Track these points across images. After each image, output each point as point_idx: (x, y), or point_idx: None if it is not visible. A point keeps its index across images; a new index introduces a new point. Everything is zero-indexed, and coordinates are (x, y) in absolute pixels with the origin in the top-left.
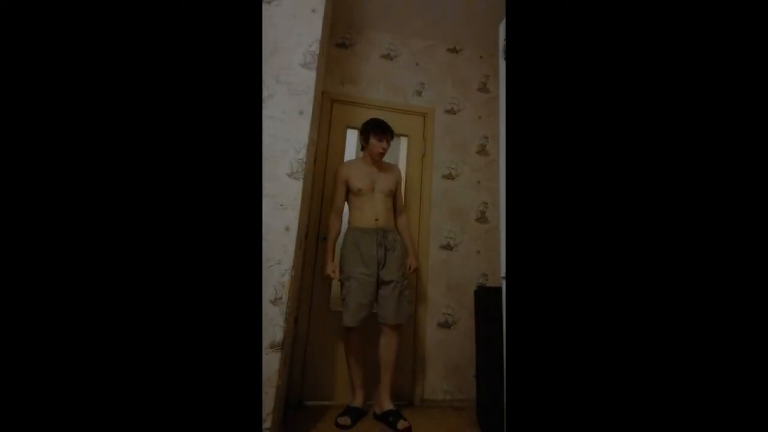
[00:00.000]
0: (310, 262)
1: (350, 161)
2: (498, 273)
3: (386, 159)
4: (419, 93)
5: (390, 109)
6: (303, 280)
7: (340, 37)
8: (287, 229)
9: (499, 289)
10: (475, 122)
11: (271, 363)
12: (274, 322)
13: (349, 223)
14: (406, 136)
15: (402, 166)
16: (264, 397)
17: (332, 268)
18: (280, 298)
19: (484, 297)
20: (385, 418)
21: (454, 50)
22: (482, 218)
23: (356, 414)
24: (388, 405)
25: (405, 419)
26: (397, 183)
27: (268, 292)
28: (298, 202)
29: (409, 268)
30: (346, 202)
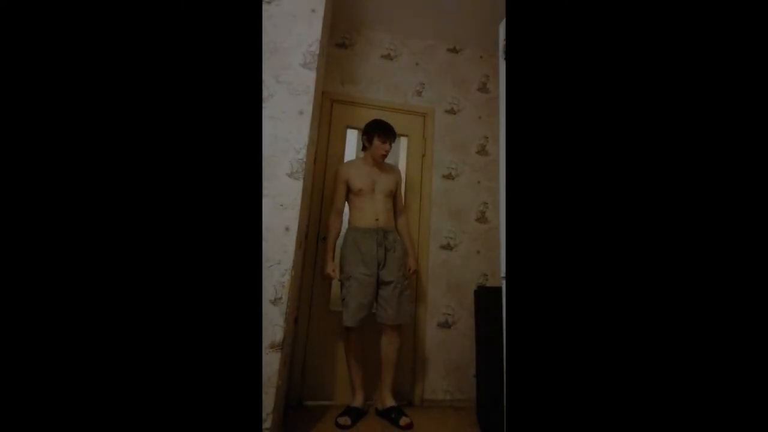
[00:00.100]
0: (310, 262)
1: (351, 161)
2: (498, 273)
3: (386, 159)
4: (419, 93)
5: (390, 109)
6: (303, 280)
7: (340, 37)
8: (287, 229)
9: (499, 289)
10: (475, 122)
11: (271, 363)
12: (274, 322)
13: (350, 223)
14: (406, 136)
15: (402, 166)
16: (264, 397)
17: (332, 268)
18: (280, 298)
19: (484, 297)
20: (387, 414)
21: (454, 50)
22: (482, 218)
23: (356, 414)
24: (390, 402)
25: (407, 415)
26: (398, 183)
27: (268, 292)
28: (298, 202)
29: (409, 270)
30: (346, 202)
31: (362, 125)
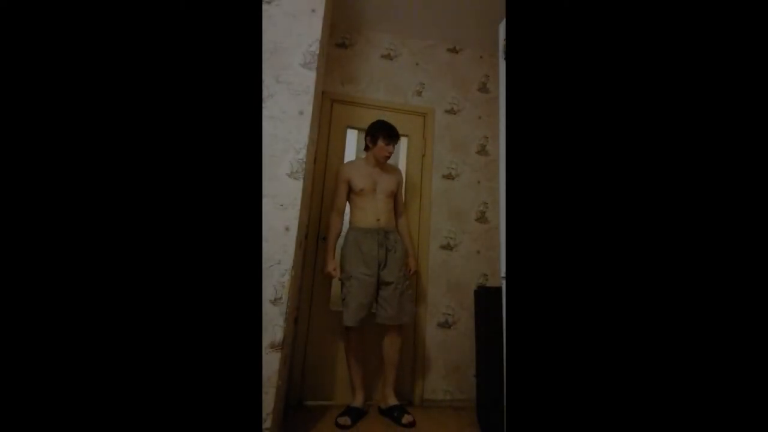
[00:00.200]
0: (310, 262)
1: (352, 161)
2: (498, 273)
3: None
4: (419, 93)
5: (390, 109)
6: (303, 280)
7: (340, 37)
8: (287, 229)
9: (499, 289)
10: (475, 122)
11: (271, 363)
12: (274, 322)
13: (351, 223)
14: (406, 136)
15: (402, 166)
16: (264, 397)
17: (333, 266)
18: (280, 298)
19: (484, 297)
20: (390, 413)
21: (454, 50)
22: (482, 218)
23: (356, 414)
24: (392, 400)
25: (409, 413)
26: (399, 184)
27: (268, 292)
28: (298, 202)
29: (410, 270)
30: (347, 202)
31: (362, 125)
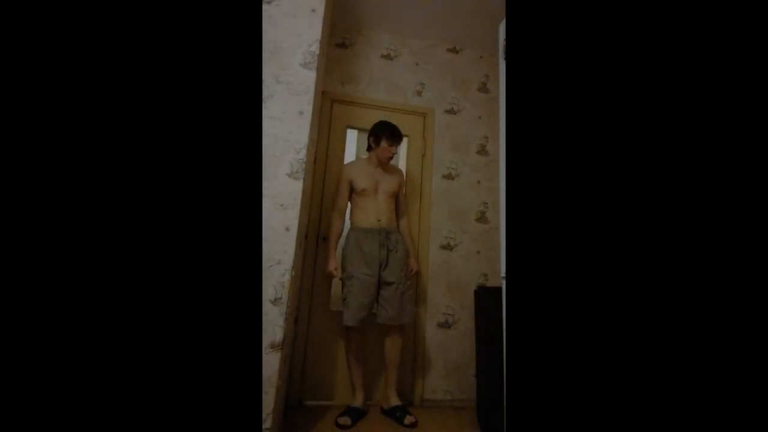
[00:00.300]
0: (310, 262)
1: (354, 161)
2: (498, 273)
3: None
4: (419, 93)
5: (390, 109)
6: (303, 280)
7: (340, 37)
8: (287, 229)
9: (499, 289)
10: (475, 122)
11: (271, 363)
12: (274, 322)
13: (352, 223)
14: (406, 136)
15: (402, 166)
16: (264, 397)
17: (334, 266)
18: (280, 298)
19: (484, 297)
20: (392, 413)
21: (454, 50)
22: (482, 218)
23: (356, 414)
24: (395, 401)
25: (411, 414)
26: (401, 185)
27: (268, 292)
28: (298, 202)
29: (411, 270)
30: (348, 202)
31: (362, 125)
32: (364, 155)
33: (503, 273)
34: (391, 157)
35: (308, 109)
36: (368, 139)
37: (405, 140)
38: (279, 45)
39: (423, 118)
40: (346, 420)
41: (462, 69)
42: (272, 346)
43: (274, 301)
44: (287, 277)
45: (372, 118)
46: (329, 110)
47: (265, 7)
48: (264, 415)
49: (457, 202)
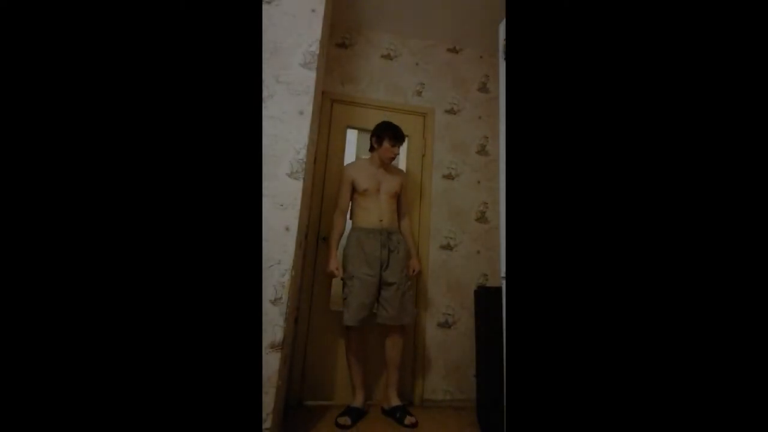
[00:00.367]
0: (310, 262)
1: (356, 162)
2: (498, 273)
3: None
4: (419, 93)
5: (390, 109)
6: (303, 280)
7: (340, 37)
8: (287, 229)
9: (499, 289)
10: (475, 122)
11: (271, 363)
12: (274, 322)
13: (354, 223)
14: (407, 136)
15: (402, 166)
16: (264, 397)
17: (335, 266)
18: (280, 298)
19: (484, 297)
20: (392, 413)
21: (454, 50)
22: (482, 218)
23: (356, 414)
24: (395, 401)
25: (412, 415)
26: (402, 185)
27: (268, 292)
28: (298, 202)
29: (413, 271)
30: (350, 202)
31: (362, 125)
32: (364, 155)
33: (503, 273)
34: (394, 158)
35: (308, 109)
36: (371, 140)
37: (405, 140)
38: (279, 45)
39: (423, 118)
40: (346, 420)
41: (462, 69)
42: (272, 346)
43: (274, 301)
44: (287, 277)
45: (372, 118)
46: (329, 110)
47: (265, 7)
48: (264, 415)
49: (457, 202)
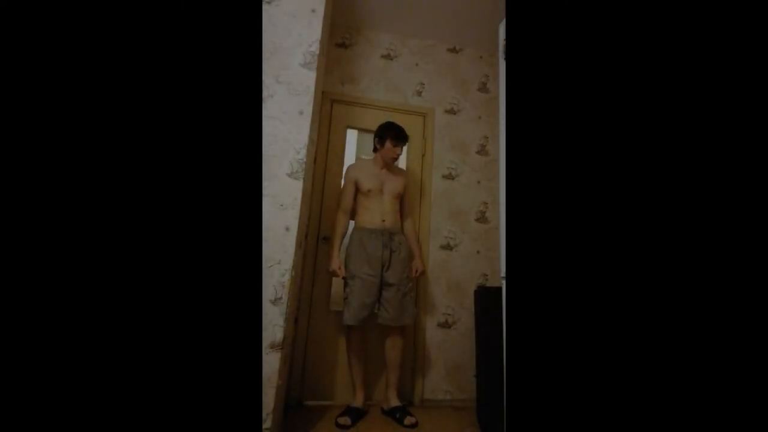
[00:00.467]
0: (310, 262)
1: (360, 162)
2: (498, 273)
3: None
4: (419, 93)
5: (390, 109)
6: (303, 281)
7: (340, 37)
8: (287, 229)
9: (499, 289)
10: (475, 122)
11: (271, 363)
12: (274, 322)
13: (356, 223)
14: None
15: (402, 166)
16: (264, 396)
17: (338, 265)
18: (280, 298)
19: (484, 297)
20: (392, 414)
21: (454, 50)
22: (482, 218)
23: (356, 414)
24: (395, 401)
25: (412, 415)
26: (405, 186)
27: (268, 292)
28: (298, 202)
29: (416, 272)
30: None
31: (362, 125)
32: (364, 155)
33: (503, 273)
34: (396, 158)
35: (308, 109)
36: (374, 141)
37: (408, 141)
38: (279, 45)
39: (423, 118)
40: (346, 420)
41: (462, 69)
42: (272, 346)
43: (275, 301)
44: (287, 277)
45: (372, 118)
46: (329, 110)
47: (265, 7)
48: (264, 415)
49: (457, 202)
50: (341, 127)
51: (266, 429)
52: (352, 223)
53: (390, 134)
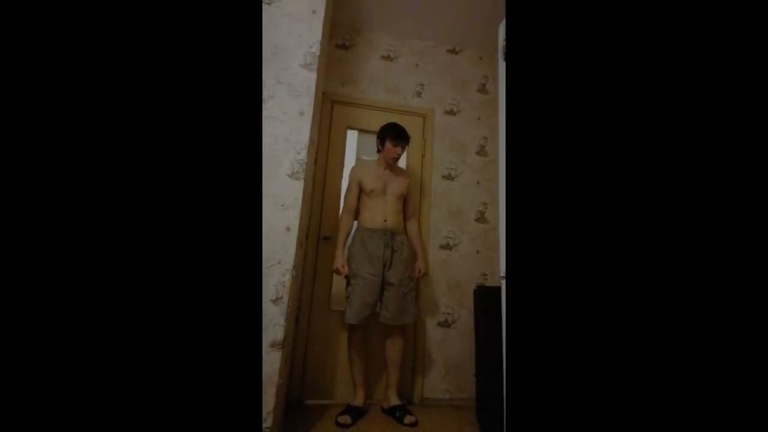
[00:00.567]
0: (311, 262)
1: (364, 163)
2: (498, 273)
3: None
4: (419, 94)
5: (390, 110)
6: (304, 280)
7: (341, 38)
8: (288, 229)
9: (499, 288)
10: (475, 123)
11: (271, 362)
12: (274, 322)
13: (359, 223)
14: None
15: (402, 166)
16: (264, 395)
17: (341, 263)
18: (281, 297)
19: (484, 297)
20: (392, 412)
21: (453, 51)
22: (482, 218)
23: (356, 413)
24: (395, 400)
25: (412, 414)
26: (408, 187)
27: (268, 292)
28: (299, 202)
29: (419, 272)
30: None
31: (362, 126)
32: (364, 156)
33: (503, 273)
34: (397, 158)
35: (308, 110)
36: (376, 141)
37: (409, 141)
38: (279, 46)
39: (423, 118)
40: (346, 419)
41: (462, 70)
42: (273, 345)
43: (275, 301)
44: (288, 277)
45: (372, 118)
46: (329, 111)
47: (265, 8)
48: (264, 414)
49: (456, 202)
50: (341, 127)
51: (267, 428)
52: (355, 223)
53: (389, 134)
